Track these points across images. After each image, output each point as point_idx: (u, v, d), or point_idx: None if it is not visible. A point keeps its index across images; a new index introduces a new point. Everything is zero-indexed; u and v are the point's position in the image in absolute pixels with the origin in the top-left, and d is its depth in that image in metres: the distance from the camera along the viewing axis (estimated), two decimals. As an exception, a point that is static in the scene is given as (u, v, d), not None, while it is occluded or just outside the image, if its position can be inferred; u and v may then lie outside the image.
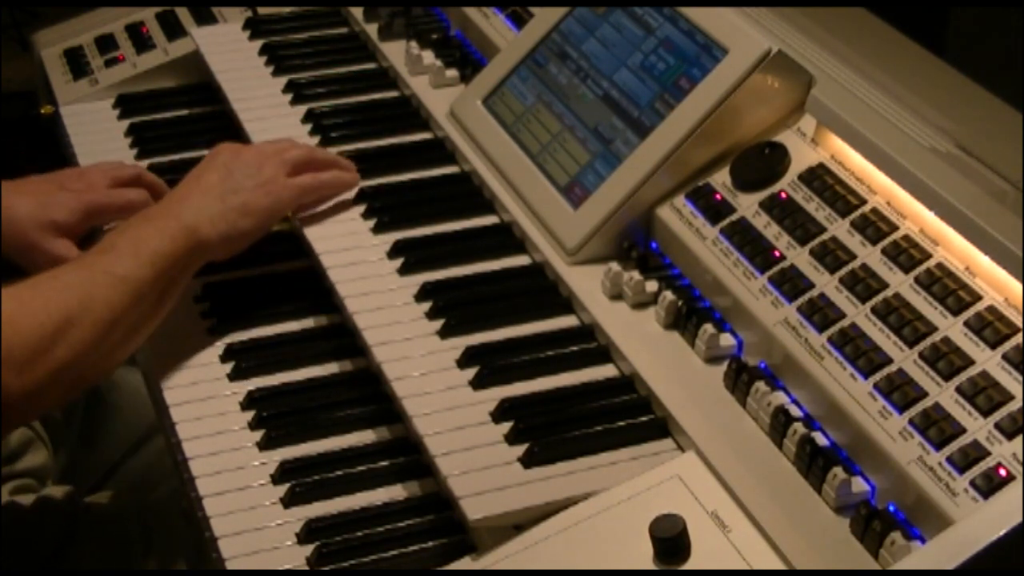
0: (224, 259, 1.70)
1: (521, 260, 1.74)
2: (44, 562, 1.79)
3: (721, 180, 1.64)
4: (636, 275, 1.60)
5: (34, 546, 1.78)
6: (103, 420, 2.03)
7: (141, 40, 2.28)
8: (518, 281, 1.71)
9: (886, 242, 1.47)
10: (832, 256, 1.48)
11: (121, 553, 1.83)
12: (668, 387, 1.50)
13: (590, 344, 1.60)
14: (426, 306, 1.65)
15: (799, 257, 1.51)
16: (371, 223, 1.79)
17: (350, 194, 1.83)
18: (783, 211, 1.56)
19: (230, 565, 1.40)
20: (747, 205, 1.59)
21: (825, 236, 1.51)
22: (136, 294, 1.53)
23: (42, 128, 2.22)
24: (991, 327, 1.35)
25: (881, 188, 1.51)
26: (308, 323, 1.73)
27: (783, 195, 1.58)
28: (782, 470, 1.39)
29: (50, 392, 1.47)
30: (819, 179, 1.56)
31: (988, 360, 1.33)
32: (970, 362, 1.34)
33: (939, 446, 1.29)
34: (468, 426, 1.49)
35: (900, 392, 1.34)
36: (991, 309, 1.36)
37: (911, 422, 1.32)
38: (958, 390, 1.32)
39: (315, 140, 1.95)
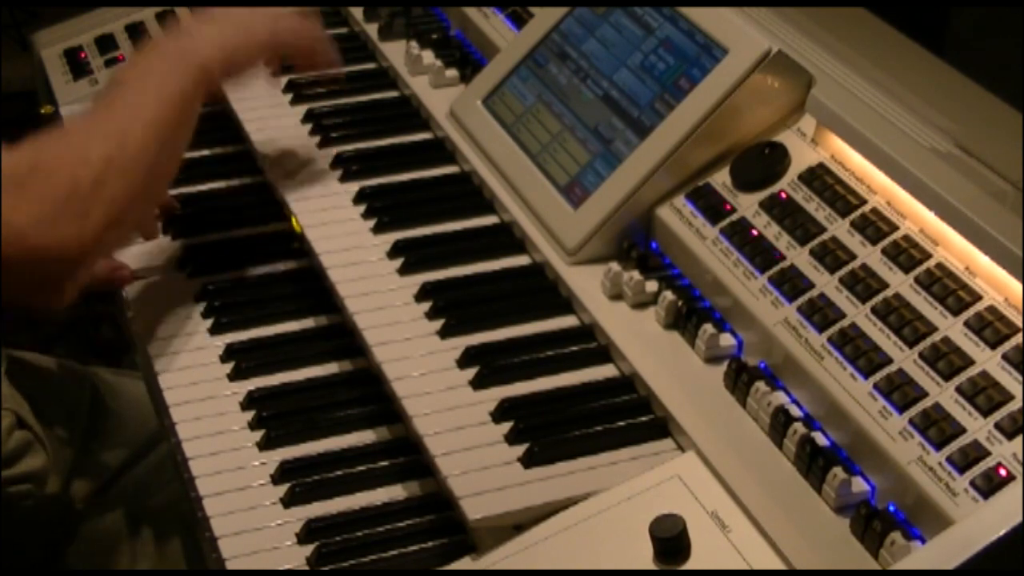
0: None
1: (521, 260, 1.74)
2: (42, 566, 1.79)
3: (721, 180, 1.64)
4: (636, 275, 1.60)
5: (32, 550, 1.78)
6: (105, 427, 2.03)
7: (141, 40, 2.28)
8: (518, 281, 1.71)
9: (886, 242, 1.47)
10: (832, 256, 1.48)
11: (118, 559, 1.83)
12: (668, 387, 1.50)
13: (590, 344, 1.60)
14: (426, 306, 1.65)
15: (799, 257, 1.51)
16: (371, 223, 1.79)
17: (350, 194, 1.83)
18: (783, 211, 1.56)
19: (230, 565, 1.40)
20: (747, 205, 1.59)
21: (825, 236, 1.51)
22: (162, 135, 1.57)
23: (42, 128, 2.22)
24: (991, 327, 1.35)
25: (881, 188, 1.51)
26: (308, 323, 1.73)
27: (783, 195, 1.58)
28: (782, 470, 1.39)
29: (110, 234, 1.51)
30: (819, 179, 1.56)
31: (988, 360, 1.33)
32: (970, 362, 1.34)
33: (939, 446, 1.29)
34: (468, 426, 1.49)
35: (900, 392, 1.34)
36: (991, 309, 1.36)
37: (911, 422, 1.32)
38: (958, 390, 1.32)
39: (315, 140, 1.95)
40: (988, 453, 1.27)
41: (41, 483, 1.90)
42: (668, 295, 1.58)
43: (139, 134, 1.54)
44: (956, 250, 1.42)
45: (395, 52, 2.09)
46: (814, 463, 1.36)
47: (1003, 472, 1.25)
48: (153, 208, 1.66)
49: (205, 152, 2.08)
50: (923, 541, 1.27)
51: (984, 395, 1.30)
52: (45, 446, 1.93)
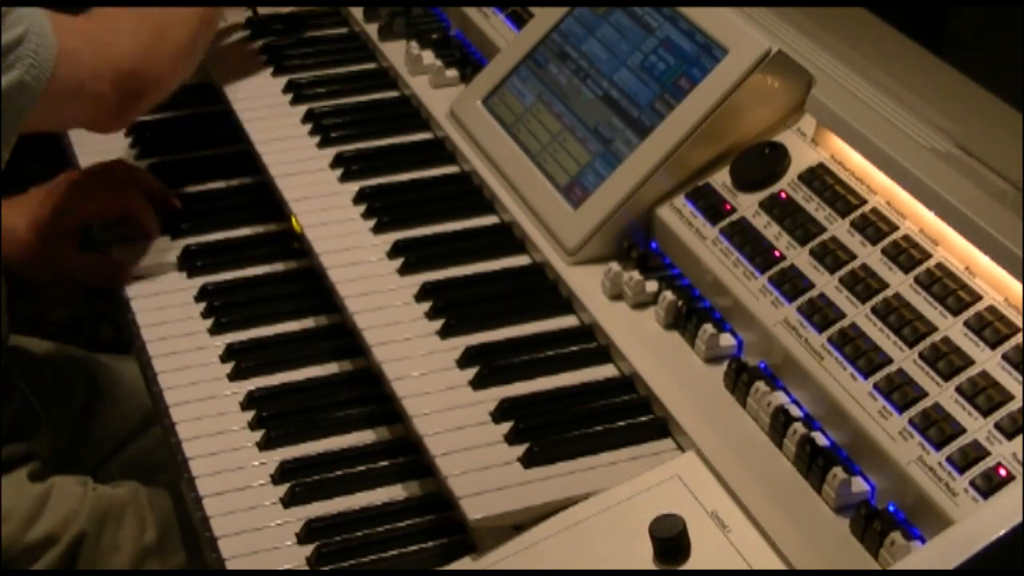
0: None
1: (521, 260, 1.74)
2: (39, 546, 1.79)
3: (721, 180, 1.64)
4: (636, 275, 1.60)
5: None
6: (101, 407, 2.03)
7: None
8: (518, 281, 1.71)
9: (886, 242, 1.47)
10: (832, 256, 1.48)
11: (124, 533, 1.83)
12: (668, 387, 1.50)
13: (590, 344, 1.60)
14: (426, 306, 1.65)
15: (799, 257, 1.51)
16: (371, 223, 1.79)
17: (350, 194, 1.83)
18: (783, 211, 1.56)
19: (230, 565, 1.40)
20: (747, 205, 1.59)
21: (825, 236, 1.51)
22: (196, 20, 1.85)
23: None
24: (991, 327, 1.35)
25: (881, 188, 1.51)
26: (308, 323, 1.73)
27: (783, 195, 1.58)
28: (782, 470, 1.39)
29: (175, 70, 1.82)
30: (819, 179, 1.56)
31: (988, 360, 1.33)
32: (970, 362, 1.34)
33: (939, 446, 1.29)
34: (468, 426, 1.49)
35: (900, 392, 1.34)
36: (991, 309, 1.36)
37: (911, 422, 1.32)
38: (958, 390, 1.32)
39: (315, 140, 1.95)
40: (988, 453, 1.27)
41: (43, 460, 1.91)
42: (668, 295, 1.58)
43: (179, 13, 1.84)
44: (956, 250, 1.42)
45: (395, 52, 2.09)
46: (814, 463, 1.36)
47: (1003, 472, 1.25)
48: (190, 71, 1.89)
49: (205, 152, 2.08)
50: (923, 541, 1.27)
51: (984, 395, 1.30)
52: (44, 423, 1.94)
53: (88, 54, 1.68)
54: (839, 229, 1.51)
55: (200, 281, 1.78)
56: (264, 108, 2.03)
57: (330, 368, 1.67)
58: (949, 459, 1.28)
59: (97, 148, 2.05)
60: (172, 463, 1.56)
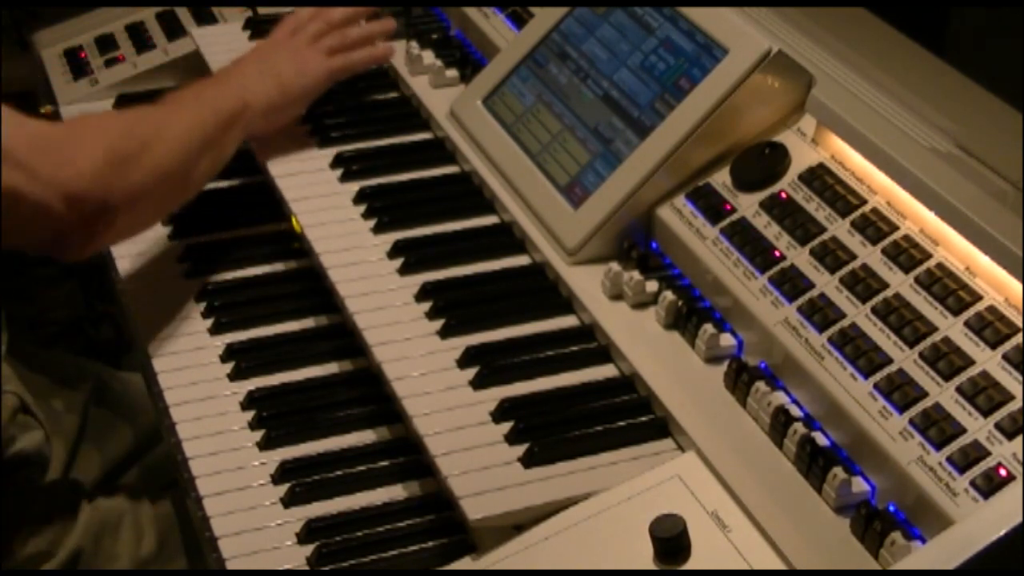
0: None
1: (521, 260, 1.74)
2: (44, 555, 1.79)
3: (721, 180, 1.64)
4: (636, 275, 1.60)
5: (35, 539, 1.78)
6: (108, 417, 2.03)
7: (141, 40, 2.28)
8: (518, 281, 1.71)
9: (886, 242, 1.47)
10: (832, 256, 1.48)
11: (122, 542, 1.83)
12: (668, 387, 1.50)
13: (590, 344, 1.60)
14: (426, 306, 1.65)
15: (799, 257, 1.51)
16: (371, 223, 1.79)
17: (350, 194, 1.83)
18: (783, 211, 1.56)
19: (230, 565, 1.40)
20: (747, 205, 1.59)
21: (825, 236, 1.51)
22: (202, 127, 1.73)
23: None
24: (991, 327, 1.35)
25: (881, 188, 1.51)
26: (308, 323, 1.73)
27: (783, 195, 1.58)
28: (782, 470, 1.39)
29: (149, 198, 1.65)
30: (819, 179, 1.56)
31: (988, 360, 1.33)
32: (970, 362, 1.34)
33: (939, 446, 1.29)
34: (468, 426, 1.49)
35: (900, 392, 1.34)
36: (991, 309, 1.36)
37: (911, 422, 1.32)
38: (958, 390, 1.32)
39: (315, 140, 1.95)
40: (988, 453, 1.27)
41: (42, 468, 1.90)
42: (668, 295, 1.58)
43: (176, 129, 1.70)
44: (956, 250, 1.42)
45: (395, 52, 2.09)
46: (814, 463, 1.36)
47: (1003, 472, 1.25)
48: (179, 202, 1.76)
49: (205, 152, 2.08)
50: (923, 541, 1.27)
51: (984, 395, 1.30)
52: (46, 431, 1.94)
53: (40, 168, 1.52)
54: (839, 229, 1.51)
55: (200, 281, 1.78)
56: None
57: (330, 368, 1.67)
58: (949, 459, 1.28)
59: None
60: (174, 466, 1.56)
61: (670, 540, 1.30)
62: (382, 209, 1.80)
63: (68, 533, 1.78)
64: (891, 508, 1.31)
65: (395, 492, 1.50)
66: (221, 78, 1.88)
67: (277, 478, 1.50)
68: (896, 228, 1.48)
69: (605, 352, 1.59)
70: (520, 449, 1.45)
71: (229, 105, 1.79)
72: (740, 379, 1.46)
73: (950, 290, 1.39)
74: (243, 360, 1.65)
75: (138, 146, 1.63)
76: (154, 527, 1.83)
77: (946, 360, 1.34)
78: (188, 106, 1.76)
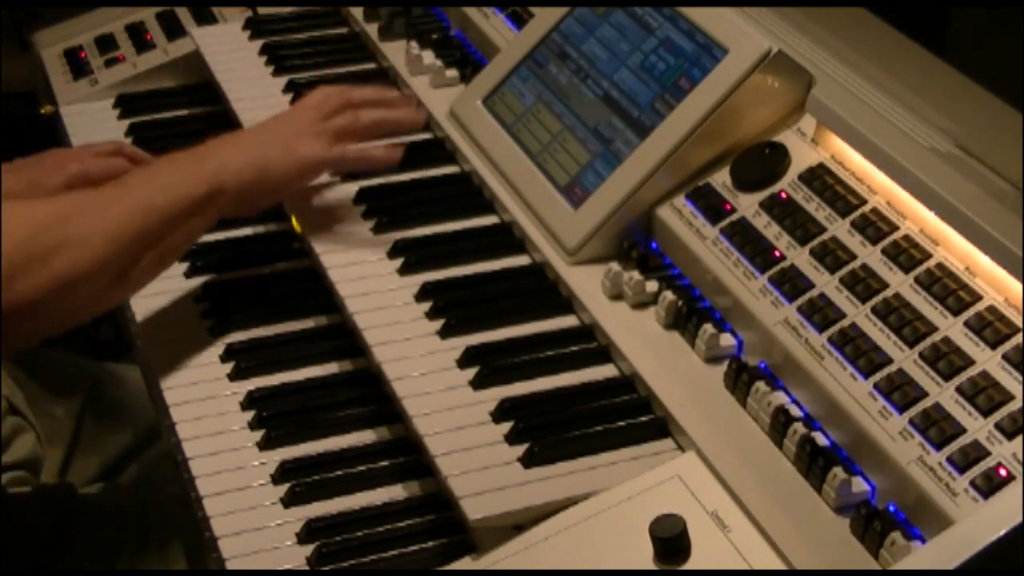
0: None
1: (521, 260, 1.74)
2: (39, 556, 1.79)
3: (721, 180, 1.64)
4: (636, 275, 1.60)
5: (30, 539, 1.78)
6: (105, 414, 2.03)
7: (141, 40, 2.28)
8: (518, 281, 1.71)
9: (886, 242, 1.47)
10: (832, 256, 1.48)
11: (117, 549, 1.83)
12: (668, 387, 1.50)
13: (590, 344, 1.60)
14: (426, 306, 1.65)
15: (799, 257, 1.51)
16: (371, 223, 1.78)
17: (350, 194, 1.83)
18: (783, 211, 1.56)
19: (230, 565, 1.40)
20: (747, 205, 1.59)
21: (825, 236, 1.51)
22: (144, 220, 1.54)
23: (42, 128, 2.22)
24: (991, 327, 1.35)
25: (881, 188, 1.51)
26: (308, 323, 1.73)
27: (783, 195, 1.58)
28: (782, 470, 1.39)
29: (43, 310, 1.46)
30: (819, 179, 1.56)
31: (988, 360, 1.33)
32: (970, 362, 1.34)
33: (939, 446, 1.29)
34: (468, 426, 1.49)
35: (900, 392, 1.34)
36: (991, 309, 1.36)
37: (911, 422, 1.32)
38: (958, 390, 1.32)
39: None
40: (988, 453, 1.27)
41: (35, 470, 1.90)
42: (668, 295, 1.58)
43: (109, 224, 1.51)
44: (956, 250, 1.42)
45: (395, 52, 2.09)
46: (814, 463, 1.36)
47: (1003, 472, 1.25)
48: (113, 301, 1.60)
49: (205, 152, 2.08)
50: (923, 541, 1.27)
51: (984, 395, 1.30)
52: (37, 432, 1.93)
53: None
54: (839, 229, 1.51)
55: (200, 281, 1.78)
56: (264, 108, 2.03)
57: (330, 368, 1.67)
58: (949, 459, 1.28)
59: (97, 148, 2.06)
60: (174, 465, 1.56)
61: (670, 540, 1.30)
62: (382, 209, 1.80)
63: (64, 543, 1.78)
64: (891, 508, 1.31)
65: (395, 492, 1.50)
66: (199, 153, 1.66)
67: (277, 478, 1.50)
68: (896, 228, 1.48)
69: (605, 352, 1.59)
70: (520, 449, 1.45)
71: (194, 191, 1.60)
72: (740, 379, 1.46)
73: (950, 290, 1.39)
74: (243, 360, 1.65)
75: (51, 246, 1.45)
76: (152, 527, 1.83)
77: (946, 360, 1.34)
78: (137, 192, 1.56)
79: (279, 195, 1.75)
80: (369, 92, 1.83)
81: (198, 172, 1.61)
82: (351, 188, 1.84)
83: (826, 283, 1.47)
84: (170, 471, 1.85)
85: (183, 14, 2.31)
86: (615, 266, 1.62)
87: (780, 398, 1.43)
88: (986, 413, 1.29)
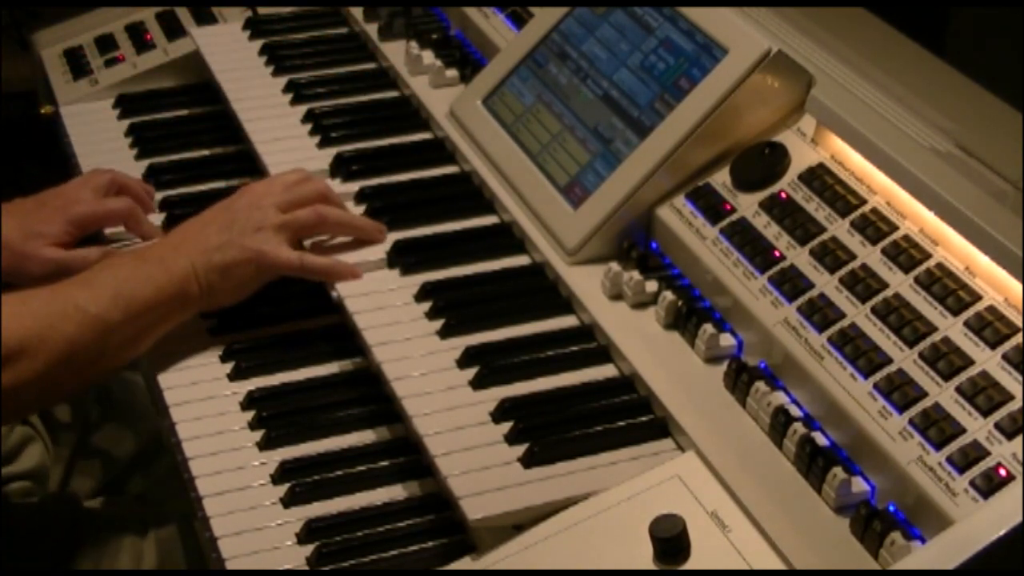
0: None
1: (521, 260, 1.74)
2: (46, 567, 1.78)
3: (721, 180, 1.64)
4: (636, 275, 1.60)
5: (36, 551, 1.78)
6: (113, 423, 2.02)
7: (141, 40, 2.28)
8: (518, 281, 1.71)
9: (886, 242, 1.47)
10: (832, 256, 1.48)
11: (121, 560, 1.82)
12: (668, 387, 1.50)
13: (590, 344, 1.60)
14: (426, 306, 1.65)
15: (799, 257, 1.51)
16: (371, 223, 1.79)
17: (350, 194, 1.83)
18: (783, 211, 1.56)
19: (230, 565, 1.40)
20: (747, 205, 1.59)
21: (825, 236, 1.51)
22: (103, 334, 1.54)
23: (42, 128, 2.22)
24: (991, 327, 1.35)
25: (881, 188, 1.51)
26: (308, 323, 1.73)
27: (783, 195, 1.58)
28: (782, 470, 1.39)
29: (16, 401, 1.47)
30: (819, 179, 1.56)
31: (988, 360, 1.33)
32: (970, 362, 1.34)
33: (939, 446, 1.29)
34: (468, 426, 1.49)
35: (900, 392, 1.34)
36: (991, 309, 1.36)
37: (911, 422, 1.32)
38: (958, 390, 1.32)
39: (315, 140, 1.95)
40: (988, 453, 1.27)
41: (42, 480, 1.90)
42: (668, 295, 1.58)
43: (72, 327, 1.51)
44: (956, 250, 1.42)
45: (395, 52, 2.09)
46: (814, 463, 1.36)
47: (1003, 472, 1.25)
48: (79, 391, 1.57)
49: (205, 152, 2.08)
50: (923, 541, 1.27)
51: (984, 395, 1.30)
52: (45, 442, 1.93)
53: None
54: (839, 229, 1.51)
55: (200, 281, 1.78)
56: (264, 108, 2.04)
57: (330, 368, 1.67)
58: (949, 459, 1.28)
59: (97, 148, 2.06)
60: (177, 476, 1.55)
61: (670, 540, 1.30)
62: (382, 209, 1.80)
63: (70, 554, 1.78)
64: (891, 508, 1.31)
65: (395, 492, 1.50)
66: (164, 251, 1.62)
67: (277, 478, 1.50)
68: (896, 228, 1.48)
69: (605, 352, 1.59)
70: (520, 449, 1.45)
71: (155, 295, 1.58)
72: (740, 379, 1.46)
73: (950, 290, 1.39)
74: (243, 360, 1.65)
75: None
76: (155, 543, 1.83)
77: (946, 360, 1.34)
78: (95, 308, 1.52)
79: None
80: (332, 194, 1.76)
81: (163, 281, 1.59)
82: (351, 188, 1.84)
83: (826, 283, 1.47)
84: (173, 488, 1.84)
85: (183, 14, 2.31)
86: (615, 266, 1.62)
87: (780, 398, 1.43)
88: (986, 413, 1.29)
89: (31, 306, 1.51)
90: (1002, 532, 1.16)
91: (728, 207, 1.60)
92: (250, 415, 1.58)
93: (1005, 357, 1.32)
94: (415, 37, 2.08)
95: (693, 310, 1.55)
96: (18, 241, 1.75)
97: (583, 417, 1.49)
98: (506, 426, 1.48)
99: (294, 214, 1.69)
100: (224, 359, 1.66)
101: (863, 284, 1.44)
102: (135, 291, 1.57)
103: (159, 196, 1.94)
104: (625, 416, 1.49)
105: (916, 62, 1.73)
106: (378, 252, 1.74)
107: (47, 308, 1.51)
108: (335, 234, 1.74)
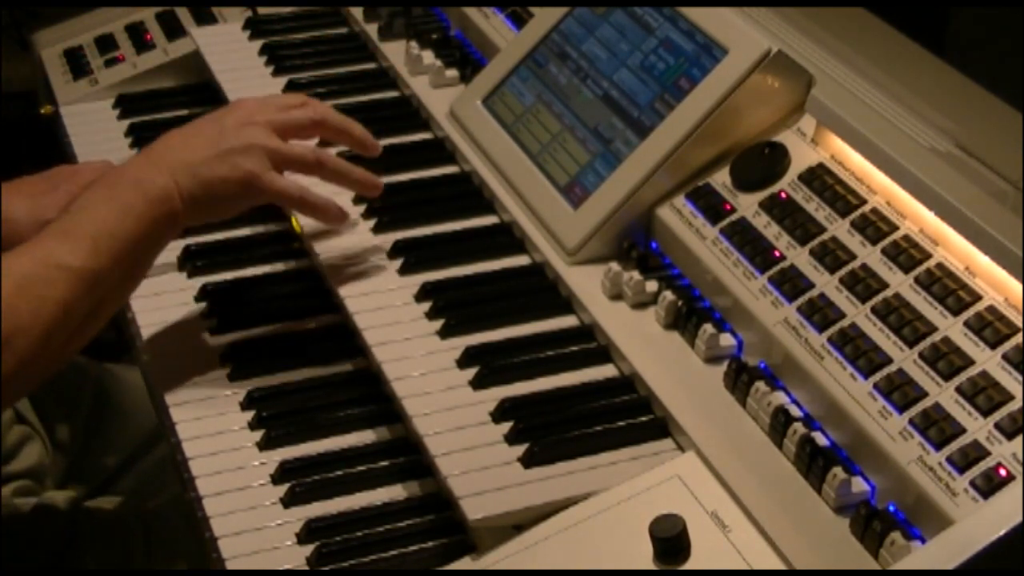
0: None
1: (521, 260, 1.74)
2: (45, 567, 1.78)
3: (721, 180, 1.64)
4: (636, 275, 1.60)
5: (35, 551, 1.78)
6: (109, 420, 2.03)
7: (141, 40, 2.28)
8: (518, 281, 1.71)
9: (886, 242, 1.47)
10: (832, 256, 1.48)
11: (122, 559, 1.83)
12: (668, 387, 1.50)
13: (590, 344, 1.60)
14: (426, 306, 1.65)
15: (799, 257, 1.51)
16: (371, 223, 1.78)
17: (350, 194, 1.83)
18: (783, 211, 1.56)
19: (230, 565, 1.40)
20: (747, 205, 1.59)
21: (825, 236, 1.51)
22: (95, 284, 1.45)
23: (42, 128, 2.22)
24: (991, 327, 1.35)
25: (881, 188, 1.51)
26: (308, 323, 1.73)
27: (783, 195, 1.58)
28: (782, 470, 1.39)
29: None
30: (819, 179, 1.56)
31: (988, 360, 1.33)
32: (970, 362, 1.34)
33: (939, 446, 1.29)
34: (468, 426, 1.49)
35: (900, 392, 1.34)
36: (991, 309, 1.36)
37: (911, 422, 1.32)
38: (958, 390, 1.32)
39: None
40: (988, 453, 1.27)
41: (40, 479, 1.90)
42: (668, 295, 1.58)
43: (61, 290, 1.42)
44: (956, 250, 1.42)
45: (395, 52, 2.09)
46: (814, 463, 1.36)
47: (1003, 472, 1.25)
48: (82, 346, 1.48)
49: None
50: (923, 541, 1.27)
51: (984, 395, 1.30)
52: (44, 441, 1.93)
53: None
54: (839, 229, 1.51)
55: (200, 281, 1.78)
56: (264, 108, 2.03)
57: (330, 368, 1.66)
58: (949, 459, 1.28)
59: (97, 148, 2.06)
60: (176, 476, 1.56)
61: (670, 540, 1.30)
62: (382, 209, 1.80)
63: (70, 553, 1.78)
64: (891, 508, 1.31)
65: (395, 492, 1.50)
66: (141, 169, 1.53)
67: (277, 478, 1.50)
68: (896, 228, 1.48)
69: (605, 352, 1.59)
70: (520, 449, 1.45)
71: (136, 227, 1.49)
72: (740, 379, 1.46)
73: (950, 290, 1.39)
74: (243, 360, 1.65)
75: None
76: (154, 542, 1.83)
77: (946, 360, 1.34)
78: (74, 259, 1.43)
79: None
80: (335, 116, 1.70)
81: (142, 208, 1.50)
82: (351, 188, 1.84)
83: (826, 283, 1.47)
84: (162, 481, 1.84)
85: (183, 14, 2.31)
86: (615, 266, 1.62)
87: (780, 398, 1.43)
88: (986, 413, 1.29)
89: (14, 277, 1.40)
90: (1002, 532, 1.16)
91: (728, 207, 1.60)
92: (250, 415, 1.58)
93: (1005, 357, 1.32)
94: (415, 37, 2.08)
95: (693, 310, 1.55)
96: (27, 225, 1.68)
97: (583, 417, 1.49)
98: (506, 426, 1.48)
99: (290, 145, 1.61)
100: (224, 359, 1.66)
101: (863, 284, 1.44)
102: (116, 230, 1.47)
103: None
104: (625, 416, 1.49)
105: (916, 62, 1.73)
106: (378, 252, 1.74)
107: (32, 275, 1.41)
108: (327, 181, 1.68)
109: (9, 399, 1.46)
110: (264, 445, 1.54)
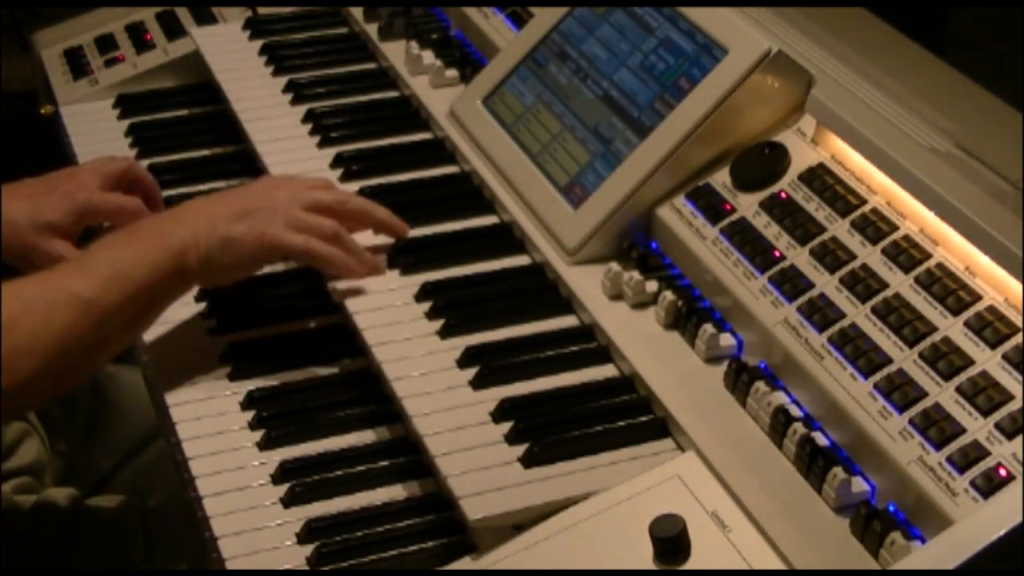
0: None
1: (521, 260, 1.74)
2: (45, 564, 1.78)
3: (721, 180, 1.64)
4: (636, 275, 1.60)
5: (35, 549, 1.78)
6: (106, 419, 2.03)
7: (141, 40, 2.28)
8: (518, 281, 1.71)
9: (886, 242, 1.47)
10: (832, 256, 1.48)
11: (123, 556, 1.83)
12: (668, 387, 1.50)
13: (590, 344, 1.60)
14: (426, 306, 1.65)
15: (799, 257, 1.51)
16: (371, 223, 1.78)
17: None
18: (783, 211, 1.56)
19: (230, 565, 1.40)
20: (747, 205, 1.59)
21: (825, 236, 1.51)
22: (102, 319, 1.48)
23: (42, 128, 2.22)
24: (991, 327, 1.35)
25: (881, 188, 1.51)
26: (308, 323, 1.73)
27: (783, 195, 1.58)
28: (782, 470, 1.39)
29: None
30: (819, 179, 1.56)
31: (988, 360, 1.33)
32: (970, 362, 1.34)
33: (939, 446, 1.29)
34: (468, 426, 1.49)
35: (900, 392, 1.34)
36: (991, 309, 1.36)
37: (911, 422, 1.32)
38: (958, 390, 1.32)
39: (315, 140, 1.95)
40: (988, 453, 1.27)
41: (39, 475, 1.90)
42: (668, 295, 1.58)
43: (68, 317, 1.45)
44: (956, 250, 1.42)
45: (395, 52, 2.09)
46: (814, 463, 1.36)
47: (1003, 472, 1.25)
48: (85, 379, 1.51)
49: (205, 152, 2.08)
50: (923, 541, 1.27)
51: (984, 395, 1.30)
52: (43, 438, 1.93)
53: None
54: (839, 229, 1.51)
55: (200, 281, 1.78)
56: (264, 108, 2.04)
57: (330, 368, 1.67)
58: (949, 459, 1.28)
59: (97, 148, 2.06)
60: (175, 473, 1.56)
61: (670, 540, 1.30)
62: (382, 209, 1.80)
63: (70, 551, 1.78)
64: (891, 508, 1.31)
65: (395, 492, 1.50)
66: (162, 224, 1.58)
67: (277, 478, 1.50)
68: (896, 228, 1.48)
69: (605, 352, 1.59)
70: (520, 449, 1.45)
71: (151, 273, 1.53)
72: (740, 379, 1.46)
73: (950, 290, 1.39)
74: (243, 360, 1.65)
75: None
76: (153, 541, 1.83)
77: (946, 360, 1.34)
78: (87, 290, 1.47)
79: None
80: (358, 200, 1.73)
81: (160, 257, 1.54)
82: (351, 188, 1.84)
83: (826, 283, 1.47)
84: (159, 477, 1.84)
85: (183, 14, 2.31)
86: (615, 266, 1.62)
87: (780, 398, 1.43)
88: (986, 413, 1.29)
89: (25, 300, 1.44)
90: (1002, 532, 1.16)
91: (728, 207, 1.60)
92: (250, 415, 1.58)
93: (1005, 357, 1.32)
94: (415, 37, 2.08)
95: (693, 310, 1.55)
96: (26, 228, 1.71)
97: (583, 417, 1.49)
98: (506, 426, 1.48)
99: (315, 218, 1.65)
100: (224, 359, 1.66)
101: (863, 284, 1.44)
102: (130, 271, 1.51)
103: (159, 196, 1.94)
104: (625, 416, 1.49)
105: (916, 62, 1.73)
106: (378, 252, 1.73)
107: (42, 299, 1.46)
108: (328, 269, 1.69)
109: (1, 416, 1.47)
110: (264, 445, 1.54)
